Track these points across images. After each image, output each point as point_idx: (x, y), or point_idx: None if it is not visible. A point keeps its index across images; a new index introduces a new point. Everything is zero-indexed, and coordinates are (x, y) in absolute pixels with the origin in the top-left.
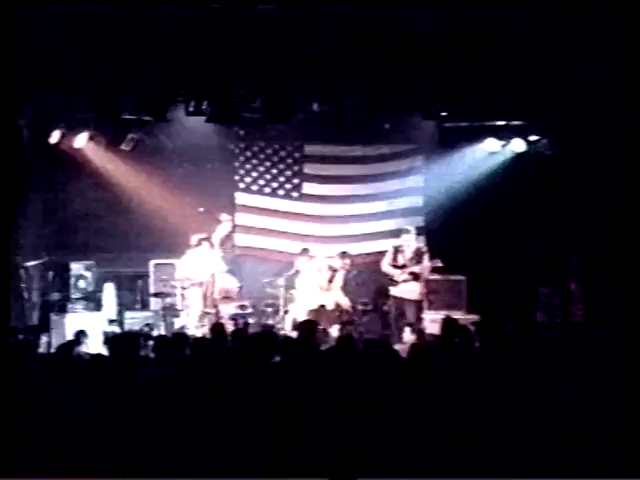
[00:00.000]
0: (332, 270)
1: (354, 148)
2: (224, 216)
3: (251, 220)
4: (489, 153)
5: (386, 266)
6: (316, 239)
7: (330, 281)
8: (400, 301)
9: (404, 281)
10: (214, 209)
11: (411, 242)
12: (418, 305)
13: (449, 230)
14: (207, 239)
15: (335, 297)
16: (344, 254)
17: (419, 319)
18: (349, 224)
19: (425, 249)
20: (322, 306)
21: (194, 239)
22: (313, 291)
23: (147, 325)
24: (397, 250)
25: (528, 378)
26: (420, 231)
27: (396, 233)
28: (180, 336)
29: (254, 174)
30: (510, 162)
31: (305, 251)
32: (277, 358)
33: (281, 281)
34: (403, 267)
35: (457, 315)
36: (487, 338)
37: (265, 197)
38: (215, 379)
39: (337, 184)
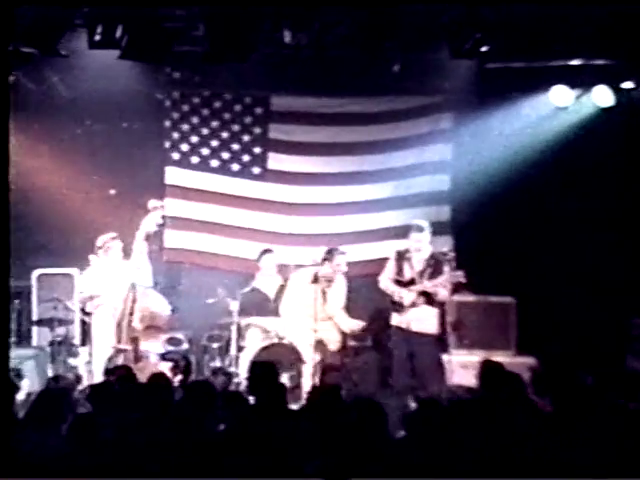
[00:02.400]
0: (324, 281)
1: (345, 102)
2: (153, 203)
3: (188, 209)
4: (555, 109)
5: (386, 281)
6: (286, 239)
7: (324, 299)
8: (408, 335)
9: (413, 305)
10: (133, 192)
11: (423, 245)
12: (435, 342)
13: (489, 227)
14: (119, 239)
15: (338, 324)
16: (332, 253)
17: (438, 364)
18: (335, 217)
19: (447, 256)
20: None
21: (101, 239)
22: (298, 317)
23: (16, 372)
24: (402, 257)
25: (617, 463)
26: (443, 228)
27: (405, 231)
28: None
29: (194, 139)
30: (589, 123)
31: (266, 254)
32: (221, 426)
33: (234, 304)
34: (411, 283)
35: (502, 357)
36: (550, 394)
37: (210, 174)
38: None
39: (318, 156)
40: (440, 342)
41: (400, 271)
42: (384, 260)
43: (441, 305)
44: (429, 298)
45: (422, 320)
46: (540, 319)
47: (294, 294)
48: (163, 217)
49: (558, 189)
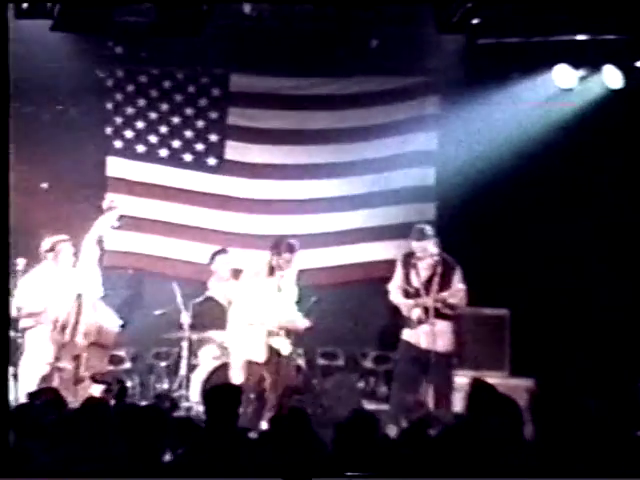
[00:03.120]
0: (279, 272)
1: (315, 83)
2: (108, 201)
3: (133, 206)
4: (558, 91)
5: (395, 292)
6: (245, 240)
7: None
8: (417, 352)
9: (419, 322)
10: (69, 186)
11: (429, 252)
12: (447, 361)
13: (480, 229)
14: (70, 242)
15: (292, 322)
16: (279, 246)
17: (448, 387)
18: (303, 216)
19: (456, 264)
20: (275, 352)
21: (49, 241)
22: (251, 323)
23: None
24: (408, 262)
25: None
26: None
27: (383, 232)
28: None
29: (140, 125)
30: (596, 107)
31: (219, 255)
32: (166, 456)
33: (185, 316)
34: (416, 295)
35: (495, 379)
36: (551, 420)
37: (159, 166)
38: None
39: (284, 145)
40: (450, 361)
41: (408, 278)
42: (359, 266)
43: (456, 318)
44: (438, 312)
45: (433, 336)
46: (538, 334)
47: (248, 294)
48: (120, 217)
49: (560, 185)
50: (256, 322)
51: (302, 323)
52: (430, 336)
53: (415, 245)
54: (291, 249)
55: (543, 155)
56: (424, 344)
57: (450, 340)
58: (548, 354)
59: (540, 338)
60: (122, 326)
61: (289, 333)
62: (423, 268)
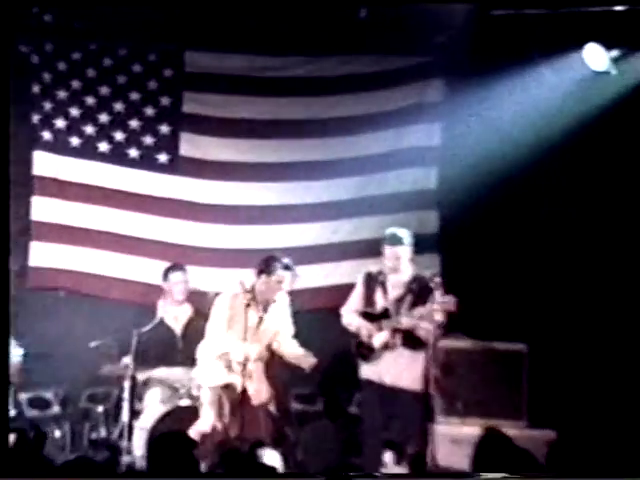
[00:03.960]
0: (259, 304)
1: (290, 63)
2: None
3: (65, 212)
4: (591, 75)
5: (349, 315)
6: (203, 256)
7: (257, 329)
8: (381, 392)
9: (386, 347)
10: None
11: (402, 263)
12: (418, 402)
13: (491, 243)
14: None
15: (286, 354)
16: (271, 263)
17: (422, 432)
18: (275, 226)
19: (434, 279)
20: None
21: None
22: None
23: None
24: (373, 281)
25: None
26: (428, 243)
27: (375, 248)
28: None
29: (74, 112)
30: (636, 95)
31: (174, 272)
32: None
33: (128, 349)
34: (383, 316)
35: (509, 429)
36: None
37: (96, 163)
38: None
39: (252, 138)
40: (422, 402)
41: (370, 300)
42: (343, 288)
43: (427, 347)
44: (409, 337)
45: (400, 369)
46: (561, 374)
47: (217, 327)
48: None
49: (588, 192)
50: (228, 356)
51: (307, 361)
52: (397, 369)
53: (387, 252)
54: (285, 268)
55: (570, 153)
56: (389, 381)
57: (420, 374)
58: (573, 398)
59: (564, 379)
60: (25, 356)
61: (259, 371)
62: (393, 285)
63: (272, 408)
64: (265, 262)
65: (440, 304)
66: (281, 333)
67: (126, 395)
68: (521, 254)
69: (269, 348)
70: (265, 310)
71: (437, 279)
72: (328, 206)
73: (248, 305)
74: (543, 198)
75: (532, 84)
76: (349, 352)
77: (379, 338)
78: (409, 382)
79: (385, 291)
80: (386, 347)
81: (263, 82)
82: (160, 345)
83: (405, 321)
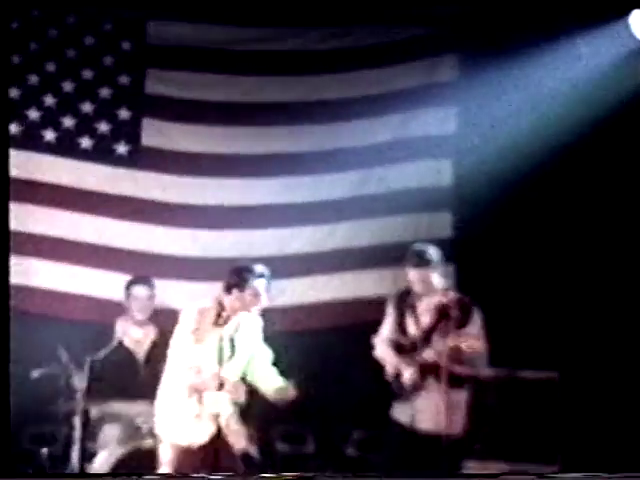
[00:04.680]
0: (230, 322)
1: (272, 33)
2: None
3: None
4: (636, 47)
5: (382, 346)
6: (169, 266)
7: (231, 353)
8: (411, 438)
9: (415, 387)
10: None
11: (432, 285)
12: (456, 448)
13: (516, 250)
14: None
15: (263, 389)
16: (244, 273)
17: None
18: (255, 231)
19: (448, 295)
20: (217, 436)
21: None
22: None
23: None
24: (403, 301)
25: None
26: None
27: (375, 255)
28: None
29: (13, 93)
30: None
31: (137, 286)
32: None
33: (79, 378)
34: (411, 349)
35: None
36: None
37: (39, 154)
38: None
39: (228, 125)
40: (460, 447)
41: (402, 327)
42: (337, 306)
43: (470, 384)
44: (442, 374)
45: (433, 412)
46: (601, 407)
47: (183, 342)
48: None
49: (632, 188)
50: (197, 387)
51: (284, 394)
52: (431, 412)
53: (412, 274)
54: (259, 277)
55: (610, 142)
56: (422, 424)
57: (462, 416)
58: (616, 436)
59: (604, 412)
60: None
61: (236, 405)
62: (423, 311)
63: (253, 452)
64: (235, 273)
65: (471, 337)
66: (256, 359)
67: (77, 435)
68: (552, 264)
69: (244, 377)
70: (237, 330)
71: (451, 295)
72: (319, 207)
73: (218, 324)
74: (579, 197)
75: (564, 60)
76: (346, 381)
77: (407, 376)
78: (444, 426)
79: (416, 318)
80: (416, 388)
81: (240, 58)
82: (118, 373)
83: (430, 355)
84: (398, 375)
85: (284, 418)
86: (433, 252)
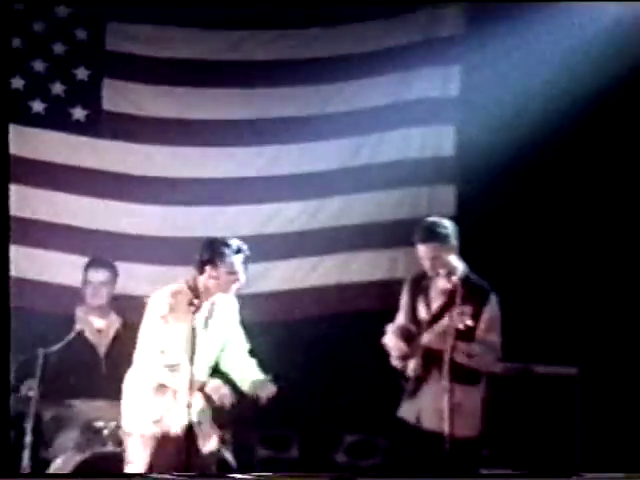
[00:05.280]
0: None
1: None
2: None
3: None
4: None
5: (390, 333)
6: (133, 248)
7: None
8: (417, 438)
9: (420, 379)
10: None
11: (446, 264)
12: (471, 454)
13: (528, 228)
14: None
15: (240, 383)
16: (217, 248)
17: None
18: (234, 207)
19: (452, 279)
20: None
21: None
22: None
23: None
24: (417, 285)
25: None
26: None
27: (370, 235)
28: None
29: None
30: None
31: (93, 269)
32: None
33: (30, 381)
34: (419, 335)
35: None
36: None
37: None
38: None
39: (202, 87)
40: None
41: (414, 313)
42: (330, 291)
43: (481, 380)
44: (454, 364)
45: (436, 409)
46: (627, 407)
47: (153, 327)
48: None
49: None
50: (167, 384)
51: (265, 390)
52: (434, 408)
53: (421, 250)
54: (237, 253)
55: (628, 104)
56: (428, 423)
57: (474, 415)
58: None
59: (630, 412)
60: None
61: (210, 404)
62: (436, 294)
63: (228, 456)
64: (208, 248)
65: (487, 321)
66: (230, 345)
67: (28, 440)
68: (570, 246)
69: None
70: (211, 316)
71: (454, 279)
72: (305, 180)
73: (192, 305)
74: (597, 167)
75: (585, 13)
76: (337, 378)
77: (411, 365)
78: (456, 426)
79: (428, 300)
80: (420, 378)
81: (216, 9)
82: (76, 369)
83: (432, 339)
84: (404, 367)
85: (265, 419)
86: (447, 226)
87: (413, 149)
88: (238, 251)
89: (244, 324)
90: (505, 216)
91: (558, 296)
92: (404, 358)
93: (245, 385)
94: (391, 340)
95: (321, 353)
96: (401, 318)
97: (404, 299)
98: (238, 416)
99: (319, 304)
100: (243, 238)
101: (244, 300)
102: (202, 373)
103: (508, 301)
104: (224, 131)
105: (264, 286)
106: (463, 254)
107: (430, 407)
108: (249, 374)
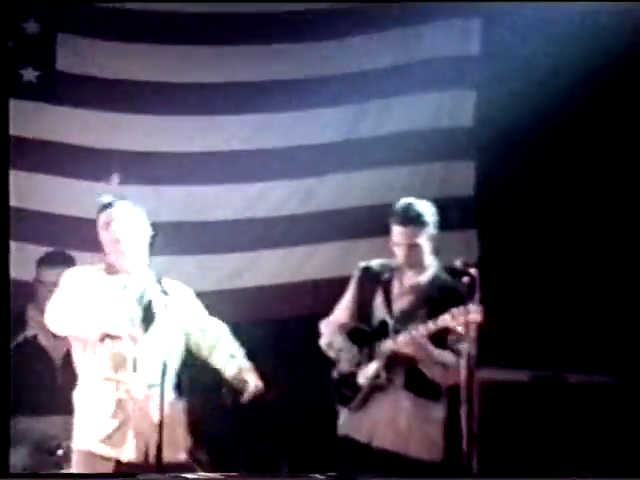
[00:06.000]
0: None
1: None
2: None
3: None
4: None
5: (332, 332)
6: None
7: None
8: (368, 460)
9: (379, 388)
10: None
11: (421, 252)
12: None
13: (556, 211)
14: None
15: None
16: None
17: None
18: (206, 186)
19: (469, 270)
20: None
21: None
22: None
23: None
24: (371, 278)
25: None
26: (462, 213)
27: (368, 220)
28: None
29: None
30: None
31: (50, 266)
32: None
33: None
34: (380, 336)
35: None
36: None
37: None
38: None
39: (175, 44)
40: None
41: (366, 310)
42: (317, 286)
43: (443, 395)
44: (416, 375)
45: (402, 425)
46: None
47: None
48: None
49: None
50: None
51: (248, 384)
52: (395, 425)
53: (397, 232)
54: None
55: None
56: (384, 442)
57: (440, 437)
58: None
59: None
60: None
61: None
62: (403, 287)
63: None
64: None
65: (458, 315)
66: (207, 332)
67: None
68: (606, 232)
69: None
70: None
71: (473, 271)
72: (297, 154)
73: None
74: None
75: None
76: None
77: (367, 372)
78: (415, 447)
79: (388, 297)
80: (378, 388)
81: None
82: (26, 379)
83: (401, 344)
84: (352, 374)
85: (249, 434)
86: (425, 208)
87: (425, 118)
88: (106, 207)
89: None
90: (530, 197)
91: (586, 290)
92: (354, 363)
93: (230, 373)
94: (337, 341)
95: (316, 358)
96: (345, 314)
97: (351, 292)
98: (216, 431)
99: (314, 301)
100: (222, 223)
101: (224, 296)
102: (155, 366)
103: (527, 293)
104: (198, 96)
105: (248, 280)
106: (483, 240)
107: (389, 422)
108: (234, 361)
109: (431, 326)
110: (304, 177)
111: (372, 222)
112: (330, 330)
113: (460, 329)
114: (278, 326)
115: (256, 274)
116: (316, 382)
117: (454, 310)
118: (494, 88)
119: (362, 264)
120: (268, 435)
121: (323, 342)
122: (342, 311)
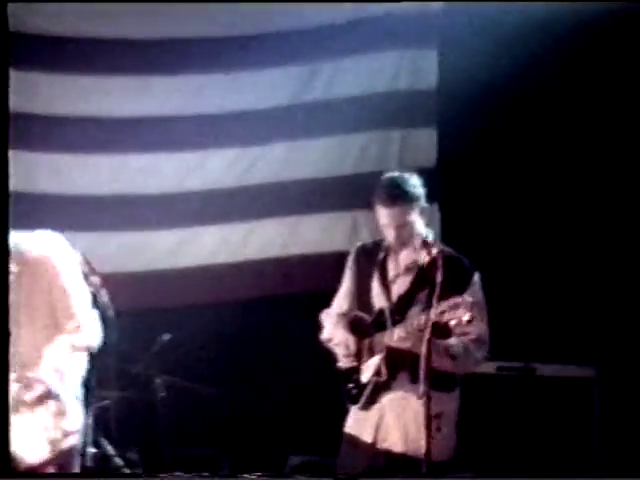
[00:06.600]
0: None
1: None
2: None
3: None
4: None
5: (332, 324)
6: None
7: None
8: (373, 461)
9: (379, 385)
10: None
11: (413, 230)
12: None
13: (526, 184)
14: None
15: None
16: None
17: None
18: (149, 156)
19: (468, 266)
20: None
21: None
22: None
23: None
24: (369, 259)
25: None
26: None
27: (324, 192)
28: None
29: None
30: None
31: None
32: None
33: None
34: (379, 325)
35: None
36: None
37: None
38: None
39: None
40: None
41: (365, 297)
42: (261, 266)
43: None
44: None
45: (406, 425)
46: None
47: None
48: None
49: None
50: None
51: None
52: (402, 424)
53: (382, 215)
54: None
55: None
56: (390, 443)
57: (450, 433)
58: None
59: None
60: None
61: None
62: (398, 272)
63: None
64: None
65: (449, 307)
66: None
67: None
68: (578, 210)
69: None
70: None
71: (435, 250)
72: (240, 119)
73: None
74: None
75: None
76: (277, 381)
77: (368, 369)
78: (416, 446)
79: (385, 281)
80: (382, 385)
81: None
82: None
83: (402, 336)
84: (356, 369)
85: (178, 436)
86: (416, 183)
87: (382, 80)
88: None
89: (151, 310)
90: (497, 169)
91: (558, 275)
92: (356, 358)
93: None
94: (336, 335)
95: (256, 348)
96: (342, 303)
97: (348, 277)
98: (149, 431)
99: (256, 283)
100: (153, 197)
101: (149, 278)
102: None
103: (496, 276)
104: (129, 55)
105: (180, 260)
106: (444, 219)
107: (395, 422)
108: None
109: (428, 318)
110: (246, 146)
111: (323, 196)
112: (330, 323)
113: (454, 322)
114: (212, 312)
115: (188, 254)
116: (243, 377)
117: (443, 304)
118: (458, 46)
119: (358, 243)
120: (206, 434)
121: (323, 336)
122: (342, 299)
